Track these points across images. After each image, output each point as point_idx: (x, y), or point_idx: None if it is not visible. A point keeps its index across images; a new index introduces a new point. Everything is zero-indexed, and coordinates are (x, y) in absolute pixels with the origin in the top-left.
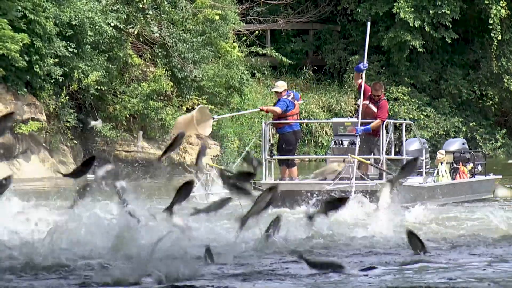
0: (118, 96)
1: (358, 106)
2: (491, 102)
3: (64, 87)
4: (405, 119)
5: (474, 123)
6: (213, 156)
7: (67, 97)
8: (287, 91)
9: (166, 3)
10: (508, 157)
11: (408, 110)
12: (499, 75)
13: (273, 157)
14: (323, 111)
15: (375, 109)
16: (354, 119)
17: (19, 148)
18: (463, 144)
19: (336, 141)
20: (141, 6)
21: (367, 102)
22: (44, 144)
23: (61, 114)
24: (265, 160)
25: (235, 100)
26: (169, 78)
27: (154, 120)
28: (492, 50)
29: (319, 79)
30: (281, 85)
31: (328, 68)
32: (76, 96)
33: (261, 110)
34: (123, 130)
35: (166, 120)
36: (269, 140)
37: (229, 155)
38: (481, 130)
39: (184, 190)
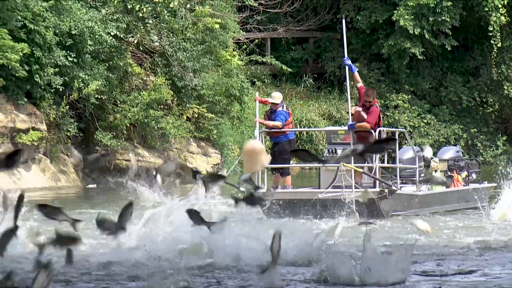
0: (119, 105)
1: (352, 115)
2: (491, 109)
3: (64, 97)
4: (405, 127)
5: (474, 130)
6: (214, 164)
7: (67, 106)
8: (282, 102)
9: (166, 12)
10: (509, 164)
11: (409, 117)
12: (499, 82)
13: (266, 166)
14: (324, 119)
15: (365, 116)
16: (346, 128)
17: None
18: (457, 152)
19: (330, 149)
20: (141, 15)
21: (360, 109)
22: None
23: (62, 123)
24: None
25: (235, 108)
26: (169, 87)
27: (154, 129)
28: (492, 57)
29: (319, 87)
30: (278, 97)
31: (328, 76)
32: (76, 105)
33: (260, 123)
34: (123, 139)
35: (167, 129)
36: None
37: (229, 163)
38: (481, 137)
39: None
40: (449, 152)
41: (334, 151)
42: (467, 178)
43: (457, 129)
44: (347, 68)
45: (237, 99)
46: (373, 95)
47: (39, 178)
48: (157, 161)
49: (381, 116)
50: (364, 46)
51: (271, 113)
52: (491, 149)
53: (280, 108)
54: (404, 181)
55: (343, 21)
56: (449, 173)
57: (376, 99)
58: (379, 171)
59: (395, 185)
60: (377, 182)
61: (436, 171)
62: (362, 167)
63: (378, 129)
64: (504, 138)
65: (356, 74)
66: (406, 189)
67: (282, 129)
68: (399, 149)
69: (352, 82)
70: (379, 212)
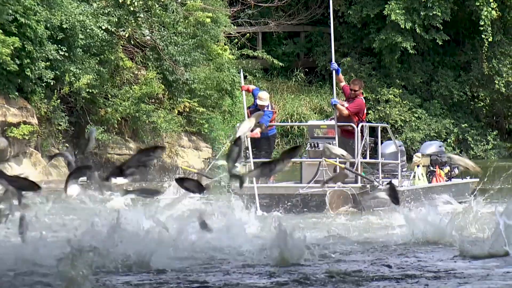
0: (110, 99)
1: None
2: (482, 103)
3: (56, 91)
4: (396, 121)
5: (465, 125)
6: (205, 158)
7: (59, 100)
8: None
9: (157, 6)
10: (499, 158)
11: (400, 112)
12: (490, 77)
13: (248, 161)
14: (315, 113)
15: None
16: (330, 122)
17: (11, 151)
18: (440, 147)
19: (312, 143)
20: (132, 9)
21: (345, 103)
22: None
23: (53, 117)
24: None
25: (226, 102)
26: (161, 81)
27: (145, 123)
28: (483, 51)
29: (311, 81)
30: (266, 98)
31: (319, 70)
32: (67, 99)
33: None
34: (114, 133)
35: (158, 123)
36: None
37: (220, 157)
38: (472, 131)
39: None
40: (432, 147)
41: (316, 145)
42: (449, 173)
43: (448, 123)
44: (334, 72)
45: (228, 93)
46: (359, 84)
47: (30, 172)
48: None
49: (365, 110)
50: (355, 40)
51: (256, 110)
52: (482, 144)
53: (266, 108)
54: (386, 175)
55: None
56: (431, 168)
57: (362, 92)
58: (361, 167)
59: (377, 180)
60: (359, 177)
61: (418, 166)
62: (344, 163)
63: (360, 124)
64: (494, 133)
65: (340, 75)
66: None
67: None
68: (381, 144)
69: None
70: (361, 208)
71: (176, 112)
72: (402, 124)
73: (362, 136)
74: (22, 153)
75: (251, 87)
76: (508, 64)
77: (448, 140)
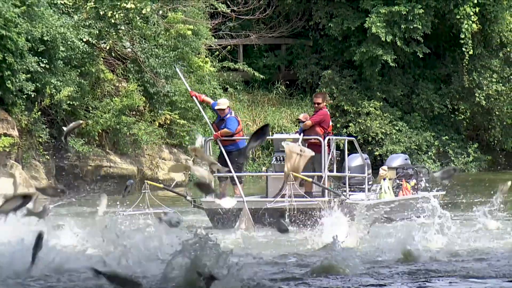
0: (91, 111)
1: (299, 121)
2: (462, 116)
3: (36, 103)
4: (377, 134)
5: (446, 137)
6: (185, 171)
7: (39, 112)
8: (229, 109)
9: (138, 18)
10: (480, 171)
11: (380, 124)
12: (470, 90)
13: (214, 174)
14: (296, 125)
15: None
16: (295, 135)
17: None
18: (406, 159)
19: (277, 157)
20: (113, 21)
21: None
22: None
23: (34, 129)
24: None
25: (207, 115)
26: (142, 93)
27: (126, 135)
28: (463, 64)
29: (292, 94)
30: (224, 103)
31: (300, 83)
32: (48, 111)
33: (216, 136)
34: (95, 146)
35: (139, 135)
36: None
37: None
38: (453, 144)
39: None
40: (398, 160)
41: (282, 158)
42: (416, 186)
43: (429, 136)
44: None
45: (209, 106)
46: (322, 97)
47: (11, 184)
48: (129, 167)
49: (330, 121)
50: (336, 53)
51: (220, 121)
52: (463, 157)
53: (229, 115)
54: (352, 189)
55: None
56: (397, 181)
57: (326, 105)
58: (328, 180)
59: (344, 194)
60: (326, 191)
61: (384, 179)
62: (312, 177)
63: (327, 138)
64: (475, 146)
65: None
66: (355, 198)
67: (233, 138)
68: (347, 157)
69: (324, 89)
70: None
71: (157, 124)
72: (383, 137)
73: (329, 149)
74: (2, 165)
75: (206, 98)
76: (489, 77)
77: (429, 153)
